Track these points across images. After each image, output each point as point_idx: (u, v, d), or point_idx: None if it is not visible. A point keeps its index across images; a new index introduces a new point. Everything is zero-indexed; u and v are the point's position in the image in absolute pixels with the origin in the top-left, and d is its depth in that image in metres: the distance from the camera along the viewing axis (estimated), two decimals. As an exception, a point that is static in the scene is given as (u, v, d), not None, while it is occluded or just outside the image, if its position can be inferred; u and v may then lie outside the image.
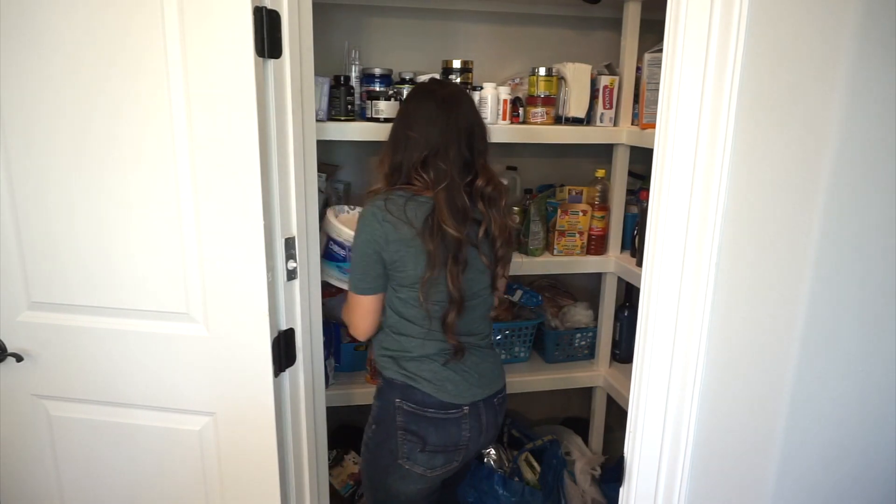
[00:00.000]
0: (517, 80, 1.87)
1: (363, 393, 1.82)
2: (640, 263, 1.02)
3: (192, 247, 1.16)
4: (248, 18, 1.03)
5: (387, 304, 1.36)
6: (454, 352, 1.33)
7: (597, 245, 1.91)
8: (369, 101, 1.67)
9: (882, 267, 0.92)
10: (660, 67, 0.95)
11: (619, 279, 1.96)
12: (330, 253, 1.57)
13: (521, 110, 1.80)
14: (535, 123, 1.79)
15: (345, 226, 1.53)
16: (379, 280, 1.32)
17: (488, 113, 1.72)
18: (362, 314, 1.36)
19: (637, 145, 1.79)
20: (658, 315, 0.97)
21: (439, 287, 1.29)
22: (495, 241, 1.34)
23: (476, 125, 1.33)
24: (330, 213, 1.59)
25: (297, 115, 1.20)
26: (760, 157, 0.87)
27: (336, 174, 1.95)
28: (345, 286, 1.47)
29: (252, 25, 1.04)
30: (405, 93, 1.68)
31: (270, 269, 1.17)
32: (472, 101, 1.38)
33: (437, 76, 1.70)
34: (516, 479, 1.91)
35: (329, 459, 1.93)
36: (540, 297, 2.03)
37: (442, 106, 1.29)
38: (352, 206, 1.74)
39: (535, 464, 2.00)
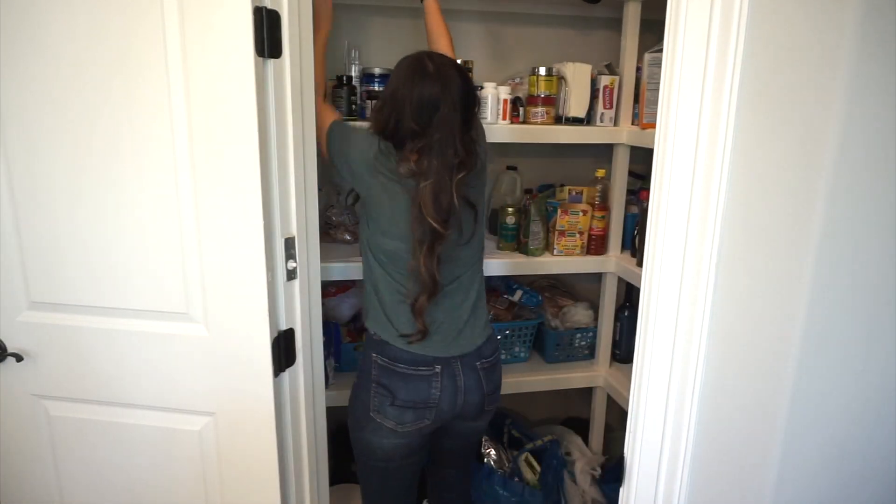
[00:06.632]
0: (517, 80, 1.87)
1: (363, 393, 1.82)
2: (640, 263, 1.02)
3: (192, 247, 1.16)
4: (248, 18, 1.03)
5: None
6: None
7: (597, 245, 1.90)
8: (369, 101, 1.67)
9: (882, 266, 0.92)
10: (660, 67, 0.95)
11: (619, 279, 1.96)
12: None
13: (521, 110, 1.80)
14: (536, 123, 1.79)
15: None
16: None
17: (488, 113, 1.72)
18: None
19: (637, 145, 1.79)
20: (658, 315, 0.97)
21: None
22: None
23: None
24: None
25: (297, 115, 1.20)
26: (760, 157, 0.87)
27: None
28: None
29: (252, 25, 1.04)
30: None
31: (270, 269, 1.17)
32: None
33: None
34: (516, 479, 1.91)
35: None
36: (540, 297, 2.03)
37: None
38: None
39: (536, 464, 2.00)
